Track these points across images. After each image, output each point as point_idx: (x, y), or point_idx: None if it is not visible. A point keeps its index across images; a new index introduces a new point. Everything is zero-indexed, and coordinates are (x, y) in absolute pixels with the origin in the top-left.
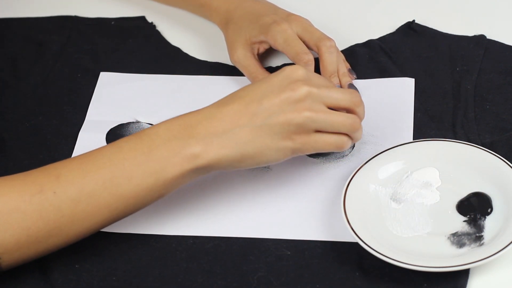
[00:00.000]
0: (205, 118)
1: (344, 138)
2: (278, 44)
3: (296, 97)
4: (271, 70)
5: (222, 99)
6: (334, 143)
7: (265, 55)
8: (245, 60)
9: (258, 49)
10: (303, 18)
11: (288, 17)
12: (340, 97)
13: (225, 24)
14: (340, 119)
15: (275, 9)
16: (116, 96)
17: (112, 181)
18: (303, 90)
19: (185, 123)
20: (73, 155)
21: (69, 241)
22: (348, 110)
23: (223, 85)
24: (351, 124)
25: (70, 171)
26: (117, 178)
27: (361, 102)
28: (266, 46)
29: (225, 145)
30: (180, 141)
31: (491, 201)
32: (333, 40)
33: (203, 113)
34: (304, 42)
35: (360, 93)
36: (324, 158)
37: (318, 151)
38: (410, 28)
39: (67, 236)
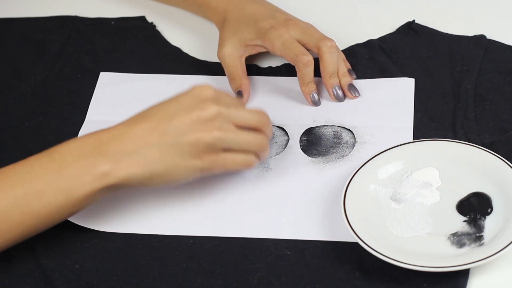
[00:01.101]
0: (116, 136)
1: (252, 157)
2: (276, 48)
3: (206, 117)
4: (271, 70)
5: (133, 117)
6: (243, 162)
7: (265, 55)
8: (230, 59)
9: (250, 52)
10: (302, 22)
11: (286, 22)
12: (249, 116)
13: (222, 23)
14: (248, 138)
15: (274, 13)
16: (116, 96)
17: (23, 200)
18: (213, 109)
19: (96, 141)
20: None
21: None
22: (256, 129)
23: (223, 85)
24: (260, 143)
25: None
26: (28, 196)
27: (269, 122)
28: (259, 50)
29: (135, 164)
30: (91, 159)
31: (491, 201)
32: (333, 40)
33: (114, 131)
34: (303, 45)
35: (360, 93)
36: (324, 158)
37: (227, 170)
38: (410, 28)
39: None
